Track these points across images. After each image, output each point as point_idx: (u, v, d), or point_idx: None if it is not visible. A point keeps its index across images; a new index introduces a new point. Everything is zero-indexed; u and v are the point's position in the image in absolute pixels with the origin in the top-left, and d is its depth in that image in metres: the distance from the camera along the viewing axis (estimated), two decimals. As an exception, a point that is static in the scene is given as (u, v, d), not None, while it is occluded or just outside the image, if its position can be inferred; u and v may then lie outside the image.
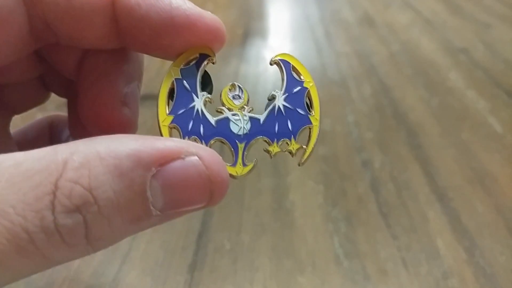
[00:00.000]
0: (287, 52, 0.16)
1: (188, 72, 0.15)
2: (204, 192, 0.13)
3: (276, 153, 0.16)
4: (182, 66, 0.15)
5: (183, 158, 0.12)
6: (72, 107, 0.20)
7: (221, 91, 0.16)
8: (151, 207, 0.12)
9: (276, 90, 0.16)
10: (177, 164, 0.12)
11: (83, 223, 0.11)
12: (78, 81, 0.18)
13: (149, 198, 0.12)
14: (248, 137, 0.15)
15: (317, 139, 0.16)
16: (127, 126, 0.17)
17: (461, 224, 0.26)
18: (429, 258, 0.24)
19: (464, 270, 0.23)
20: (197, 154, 0.12)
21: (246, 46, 0.52)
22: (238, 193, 0.29)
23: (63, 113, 0.21)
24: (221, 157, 0.13)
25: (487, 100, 0.39)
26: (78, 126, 0.19)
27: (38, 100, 0.20)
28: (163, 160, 0.12)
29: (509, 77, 0.42)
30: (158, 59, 0.16)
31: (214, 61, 0.16)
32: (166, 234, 0.26)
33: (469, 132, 0.34)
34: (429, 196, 0.29)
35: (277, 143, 0.16)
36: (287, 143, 0.16)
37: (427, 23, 0.56)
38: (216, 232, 0.27)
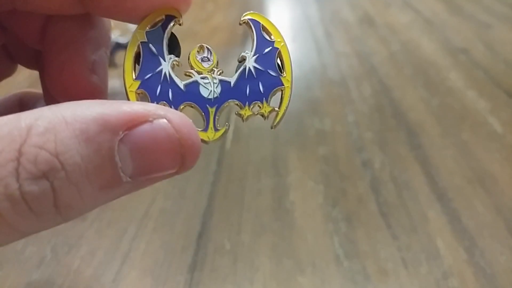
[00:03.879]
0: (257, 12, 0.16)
1: (154, 34, 0.15)
2: (175, 156, 0.12)
3: (248, 116, 0.15)
4: (147, 29, 0.15)
5: (151, 121, 0.12)
6: (44, 78, 0.19)
7: (189, 54, 0.15)
8: (121, 173, 0.11)
9: (246, 51, 0.15)
10: (145, 127, 0.12)
11: (51, 190, 0.10)
12: (43, 51, 0.17)
13: (118, 164, 0.11)
14: (218, 101, 0.15)
15: (289, 101, 0.15)
16: (96, 94, 0.17)
17: (461, 224, 0.26)
18: (429, 258, 0.24)
19: (464, 270, 0.23)
20: (165, 116, 0.12)
21: (246, 46, 0.52)
22: (238, 193, 0.29)
23: (34, 89, 0.20)
24: (191, 120, 0.13)
25: (487, 100, 0.39)
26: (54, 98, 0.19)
27: (4, 73, 0.19)
28: (131, 124, 0.11)
29: (509, 77, 0.42)
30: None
31: (180, 22, 0.15)
32: (166, 234, 0.26)
33: (469, 132, 0.34)
34: (429, 196, 0.29)
35: (249, 106, 0.15)
36: (259, 106, 0.15)
37: (427, 23, 0.56)
38: (216, 232, 0.27)
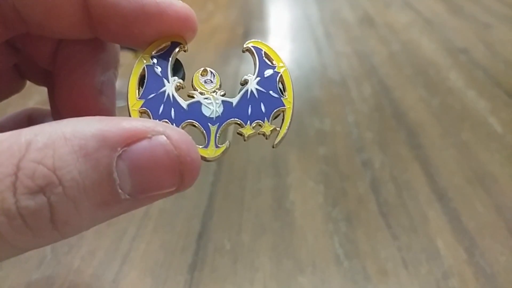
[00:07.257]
0: (260, 40, 0.16)
1: (159, 59, 0.15)
2: (174, 173, 0.12)
3: (249, 135, 0.15)
4: (153, 53, 0.15)
5: (150, 138, 0.12)
6: (52, 95, 0.20)
7: (193, 76, 0.16)
8: (119, 190, 0.11)
9: (249, 75, 0.16)
10: (143, 144, 0.12)
11: (48, 205, 0.10)
12: (54, 71, 0.18)
13: (116, 180, 0.11)
14: (220, 120, 0.15)
15: (290, 121, 0.16)
16: (104, 114, 0.17)
17: (461, 224, 0.26)
18: (429, 258, 0.24)
19: (464, 270, 0.23)
20: (164, 133, 0.12)
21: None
22: (238, 193, 0.29)
23: (43, 106, 0.21)
24: (190, 137, 0.13)
25: (487, 100, 0.39)
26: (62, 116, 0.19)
27: (13, 89, 0.20)
28: (129, 140, 0.11)
29: (509, 77, 0.42)
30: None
31: (185, 49, 0.16)
32: (166, 234, 0.26)
33: (469, 132, 0.34)
34: (429, 196, 0.29)
35: (250, 125, 0.15)
36: (260, 125, 0.15)
37: (427, 23, 0.56)
38: (216, 232, 0.27)
